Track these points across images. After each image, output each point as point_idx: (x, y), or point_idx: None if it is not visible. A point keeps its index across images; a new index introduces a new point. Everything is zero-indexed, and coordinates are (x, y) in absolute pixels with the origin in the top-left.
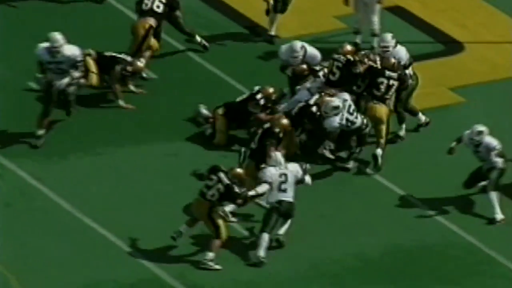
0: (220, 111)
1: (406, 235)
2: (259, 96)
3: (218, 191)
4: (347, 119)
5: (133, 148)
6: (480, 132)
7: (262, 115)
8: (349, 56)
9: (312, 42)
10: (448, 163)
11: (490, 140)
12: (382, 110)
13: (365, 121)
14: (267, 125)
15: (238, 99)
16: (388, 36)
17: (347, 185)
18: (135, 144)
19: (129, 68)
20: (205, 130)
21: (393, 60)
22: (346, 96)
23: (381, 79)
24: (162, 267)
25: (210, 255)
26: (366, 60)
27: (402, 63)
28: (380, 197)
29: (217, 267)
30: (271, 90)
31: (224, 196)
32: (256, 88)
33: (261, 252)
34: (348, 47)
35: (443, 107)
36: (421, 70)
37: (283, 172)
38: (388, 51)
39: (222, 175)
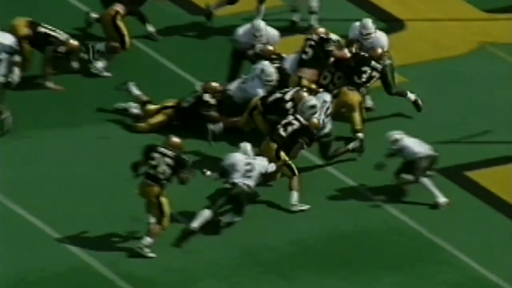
0: (170, 112)
1: (347, 221)
2: (206, 97)
3: (168, 165)
4: (322, 121)
5: (63, 131)
6: (396, 141)
7: (216, 115)
8: (322, 34)
9: (247, 20)
10: None
11: (410, 144)
12: (355, 97)
13: (332, 130)
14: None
15: (185, 104)
16: (369, 22)
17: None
18: (66, 127)
19: (61, 49)
20: (129, 108)
21: (380, 51)
22: (327, 97)
23: (365, 68)
24: (93, 254)
25: (148, 240)
26: (352, 48)
27: (385, 50)
28: (320, 183)
29: (151, 255)
30: (214, 84)
31: (176, 167)
32: (198, 87)
33: (195, 223)
34: (321, 29)
35: None
36: None
37: (250, 162)
38: (369, 38)
39: (163, 149)
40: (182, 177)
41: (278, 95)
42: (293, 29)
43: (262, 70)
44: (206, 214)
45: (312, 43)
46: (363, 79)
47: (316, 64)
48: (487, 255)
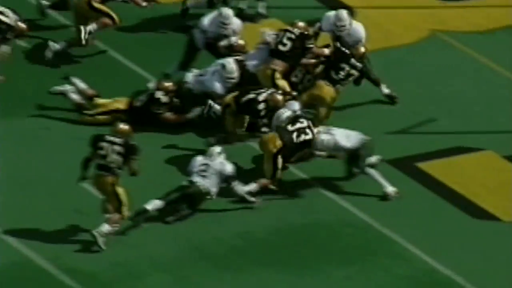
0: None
1: (296, 214)
2: (158, 94)
3: (118, 153)
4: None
5: (2, 122)
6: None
7: (168, 115)
8: (302, 29)
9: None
10: None
11: (338, 138)
12: (329, 92)
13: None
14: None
15: (138, 104)
16: (344, 13)
17: (234, 160)
18: (5, 117)
19: (10, 35)
20: (67, 93)
21: (362, 50)
22: (296, 106)
23: (343, 65)
24: (35, 249)
25: (106, 227)
26: (335, 43)
27: (362, 42)
28: None
29: (103, 246)
30: (167, 83)
31: (126, 154)
32: (151, 85)
33: (148, 206)
34: (301, 24)
35: None
36: None
37: (206, 163)
38: (344, 30)
39: (111, 137)
40: (132, 166)
41: (251, 95)
42: (241, 17)
43: (224, 66)
44: (157, 202)
45: (293, 36)
46: (341, 76)
47: (291, 59)
48: (439, 248)
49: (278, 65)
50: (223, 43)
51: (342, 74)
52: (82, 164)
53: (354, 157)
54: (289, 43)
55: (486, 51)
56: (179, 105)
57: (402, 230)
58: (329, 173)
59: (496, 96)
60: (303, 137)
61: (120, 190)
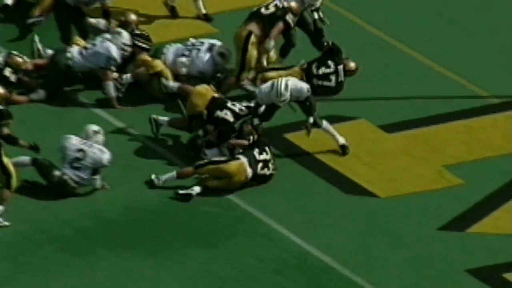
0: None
1: (150, 190)
2: (7, 72)
3: None
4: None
5: None
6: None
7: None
8: (294, 8)
9: None
10: None
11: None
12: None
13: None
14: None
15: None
16: None
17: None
18: None
19: None
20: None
21: (354, 66)
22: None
23: (330, 63)
24: None
25: (0, 208)
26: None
27: (316, 6)
28: (121, 147)
29: (6, 223)
30: (19, 58)
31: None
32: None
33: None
34: (293, 4)
35: (200, 36)
36: None
37: (82, 149)
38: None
39: None
40: (3, 131)
41: (227, 115)
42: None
43: (119, 33)
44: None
45: (280, 5)
46: (320, 72)
47: (267, 26)
48: (309, 227)
49: (257, 29)
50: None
51: (322, 71)
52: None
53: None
54: (273, 9)
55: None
56: (33, 84)
57: (268, 208)
58: (187, 148)
59: (370, 62)
60: (265, 171)
61: (5, 161)
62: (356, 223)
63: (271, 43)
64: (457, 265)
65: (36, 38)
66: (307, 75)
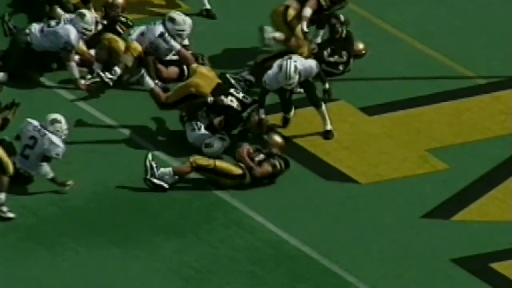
0: None
1: (118, 176)
2: None
3: None
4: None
5: None
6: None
7: None
8: None
9: None
10: None
11: None
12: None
13: None
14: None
15: None
16: None
17: None
18: None
19: None
20: None
21: (362, 48)
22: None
23: (343, 53)
24: None
25: (2, 197)
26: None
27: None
28: (87, 134)
29: (11, 214)
30: None
31: None
32: None
33: None
34: None
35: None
36: None
37: (34, 136)
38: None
39: None
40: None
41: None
42: None
43: (81, 15)
44: None
45: None
46: (331, 59)
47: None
48: (286, 215)
49: (293, 3)
50: None
51: (333, 59)
52: None
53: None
54: None
55: None
56: None
57: (243, 195)
58: (158, 133)
59: None
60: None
61: None
62: (335, 211)
63: (308, 10)
64: (442, 255)
65: (6, 17)
66: (316, 59)
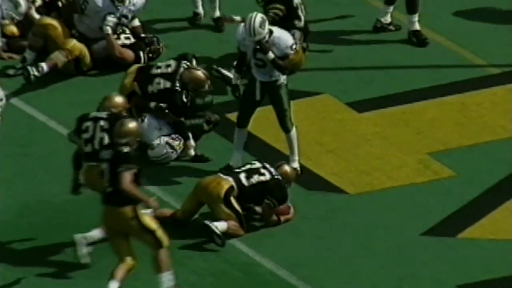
0: None
1: (56, 186)
2: None
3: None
4: None
5: None
6: None
7: None
8: None
9: None
10: None
11: None
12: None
13: None
14: None
15: None
16: None
17: None
18: None
19: None
20: None
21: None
22: None
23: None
24: None
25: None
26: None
27: None
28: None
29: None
30: None
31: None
32: None
33: None
34: None
35: None
36: None
37: None
38: None
39: (100, 114)
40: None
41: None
42: None
43: (18, 4)
44: None
45: None
46: (299, 25)
47: None
48: (258, 234)
49: None
50: None
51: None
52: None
53: None
54: None
55: None
56: None
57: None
58: None
59: (336, 22)
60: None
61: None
62: (318, 227)
63: None
64: (447, 280)
65: None
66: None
